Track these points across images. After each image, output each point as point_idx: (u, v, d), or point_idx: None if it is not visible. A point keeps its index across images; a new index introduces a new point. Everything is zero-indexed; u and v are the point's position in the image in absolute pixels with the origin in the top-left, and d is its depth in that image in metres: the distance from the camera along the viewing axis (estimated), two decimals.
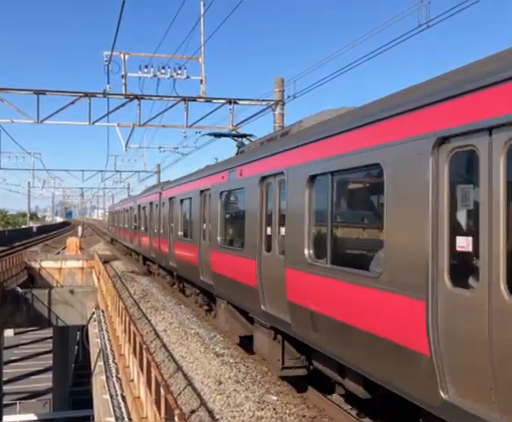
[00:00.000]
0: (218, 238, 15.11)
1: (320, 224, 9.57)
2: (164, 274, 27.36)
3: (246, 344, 14.58)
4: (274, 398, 11.09)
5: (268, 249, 11.48)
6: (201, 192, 17.38)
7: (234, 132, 21.67)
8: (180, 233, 20.87)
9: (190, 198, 19.18)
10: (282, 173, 10.60)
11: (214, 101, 23.48)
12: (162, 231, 24.91)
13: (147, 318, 20.05)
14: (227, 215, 15.42)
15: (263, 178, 11.78)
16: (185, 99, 23.03)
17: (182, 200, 20.81)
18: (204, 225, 17.15)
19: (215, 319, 17.41)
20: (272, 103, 22.32)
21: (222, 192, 15.15)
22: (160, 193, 26.05)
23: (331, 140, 8.73)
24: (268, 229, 11.59)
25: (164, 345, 15.95)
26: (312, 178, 9.43)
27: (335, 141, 8.59)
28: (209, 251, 15.92)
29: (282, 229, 10.77)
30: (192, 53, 23.81)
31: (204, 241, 16.95)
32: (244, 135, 19.09)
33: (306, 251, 9.48)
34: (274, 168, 11.11)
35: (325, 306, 8.82)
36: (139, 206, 34.11)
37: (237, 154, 17.30)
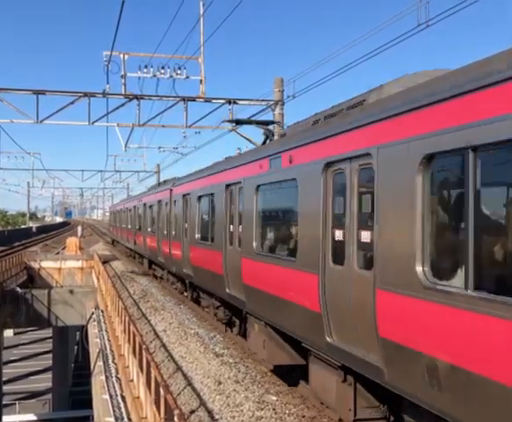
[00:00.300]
0: (254, 244, 12.23)
1: (451, 228, 6.72)
2: (173, 281, 24.98)
3: (285, 373, 12.40)
4: (274, 398, 11.09)
5: (339, 261, 8.56)
6: (228, 186, 14.62)
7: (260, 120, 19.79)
8: (198, 236, 18.20)
9: (211, 194, 16.50)
10: (368, 155, 7.73)
11: (213, 101, 23.47)
12: (173, 233, 22.10)
13: (146, 318, 20.05)
14: (267, 215, 12.46)
15: (328, 165, 8.89)
16: (184, 99, 23.02)
17: (200, 197, 18.13)
18: (231, 227, 14.33)
19: (247, 342, 14.22)
20: (271, 103, 22.32)
21: (259, 186, 12.19)
22: (171, 190, 23.10)
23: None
24: (338, 234, 8.63)
25: (164, 345, 15.95)
26: (431, 158, 6.51)
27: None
28: (241, 258, 13.09)
29: (365, 234, 7.89)
30: (191, 53, 23.82)
31: (232, 246, 14.19)
32: (271, 122, 17.66)
33: (419, 268, 6.52)
34: (352, 149, 8.19)
35: (466, 356, 5.80)
36: (145, 204, 31.45)
37: (264, 143, 15.38)
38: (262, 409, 10.51)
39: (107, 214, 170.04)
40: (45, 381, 41.13)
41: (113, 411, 12.69)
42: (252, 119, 20.47)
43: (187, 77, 23.18)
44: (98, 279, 29.02)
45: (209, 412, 10.56)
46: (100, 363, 16.55)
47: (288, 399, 11.14)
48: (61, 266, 37.54)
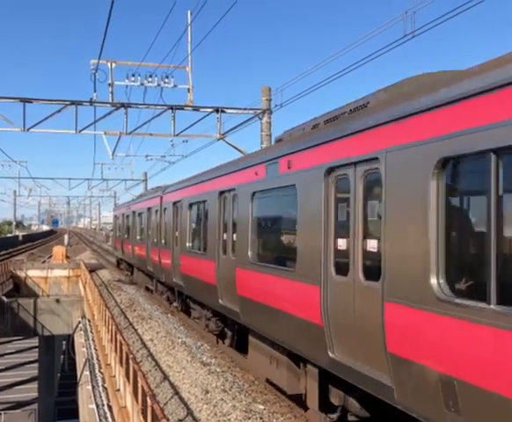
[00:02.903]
0: (434, 281, 6.31)
1: None
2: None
3: None
4: (261, 407, 11.08)
5: None
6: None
7: None
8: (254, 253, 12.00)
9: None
10: None
11: (201, 110, 23.52)
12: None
13: (133, 327, 19.96)
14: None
15: None
16: (172, 108, 23.05)
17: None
18: (367, 243, 7.79)
19: None
20: (259, 111, 22.41)
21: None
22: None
23: None
24: None
25: (151, 355, 15.88)
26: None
27: None
28: (386, 304, 7.04)
29: None
30: (179, 61, 23.88)
31: (348, 276, 8.05)
32: None
33: None
34: None
35: None
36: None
37: None
38: (249, 418, 10.49)
39: (95, 221, 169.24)
40: (31, 391, 40.80)
41: (100, 420, 12.63)
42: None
43: (175, 86, 23.23)
44: (84, 288, 28.89)
45: None
46: (87, 372, 16.46)
47: (276, 408, 11.13)
48: (47, 275, 37.31)
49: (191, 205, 17.69)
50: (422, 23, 12.69)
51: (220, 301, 13.91)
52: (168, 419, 8.31)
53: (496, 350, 5.43)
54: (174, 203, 19.91)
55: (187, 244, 17.71)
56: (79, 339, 22.23)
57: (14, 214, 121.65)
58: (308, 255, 9.19)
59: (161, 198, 22.36)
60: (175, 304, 21.62)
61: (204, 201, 15.97)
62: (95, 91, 22.23)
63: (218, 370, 13.74)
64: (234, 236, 13.09)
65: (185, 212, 18.25)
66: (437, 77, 7.65)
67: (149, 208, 25.48)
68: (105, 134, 24.66)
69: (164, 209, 21.78)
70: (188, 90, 23.19)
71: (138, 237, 28.86)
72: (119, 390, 12.68)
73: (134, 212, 30.52)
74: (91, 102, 22.40)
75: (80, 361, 19.00)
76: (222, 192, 14.28)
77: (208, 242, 15.17)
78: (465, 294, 6.04)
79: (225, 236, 13.83)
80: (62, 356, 46.33)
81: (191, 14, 22.00)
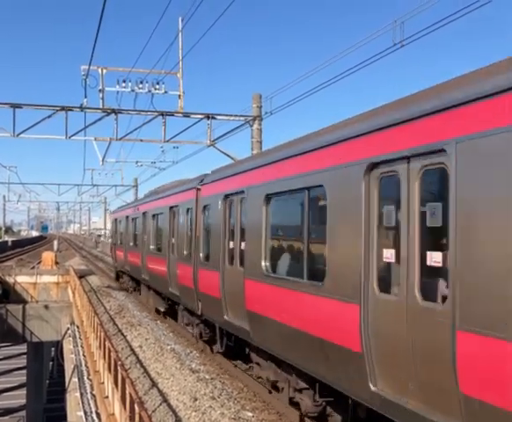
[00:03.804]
0: None
1: None
2: None
3: None
4: (250, 414, 11.06)
5: None
6: None
7: None
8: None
9: None
10: None
11: (192, 116, 23.56)
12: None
13: (122, 334, 19.88)
14: None
15: None
16: (162, 114, 23.07)
17: None
18: None
19: None
20: (250, 118, 22.47)
21: None
22: None
23: None
24: None
25: (140, 362, 15.83)
26: None
27: None
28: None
29: None
30: (170, 67, 23.90)
31: None
32: None
33: None
34: None
35: None
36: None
37: None
38: None
39: (84, 227, 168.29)
40: (19, 398, 40.52)
41: None
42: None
43: (166, 92, 23.26)
44: (73, 294, 28.76)
45: None
46: (75, 379, 16.39)
47: (265, 415, 11.12)
48: (36, 281, 37.08)
49: (269, 198, 10.95)
50: (411, 32, 12.82)
51: (372, 386, 7.19)
52: None
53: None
54: (226, 196, 13.50)
55: (263, 264, 10.96)
56: (68, 346, 22.14)
57: (3, 219, 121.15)
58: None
59: (197, 191, 16.08)
60: (214, 345, 15.73)
61: (309, 188, 9.20)
62: (85, 97, 22.27)
63: (207, 377, 13.72)
64: (437, 257, 6.30)
65: (254, 209, 11.58)
66: None
67: (171, 207, 19.28)
68: (95, 139, 24.65)
69: (204, 207, 15.44)
70: (179, 96, 23.22)
71: (152, 247, 22.57)
72: (107, 397, 12.64)
73: (145, 213, 24.45)
74: (82, 108, 22.39)
75: (69, 368, 18.92)
76: (374, 166, 7.35)
77: (328, 263, 8.35)
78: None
79: (390, 254, 7.10)
80: (50, 363, 46.07)
81: (182, 21, 22.08)
